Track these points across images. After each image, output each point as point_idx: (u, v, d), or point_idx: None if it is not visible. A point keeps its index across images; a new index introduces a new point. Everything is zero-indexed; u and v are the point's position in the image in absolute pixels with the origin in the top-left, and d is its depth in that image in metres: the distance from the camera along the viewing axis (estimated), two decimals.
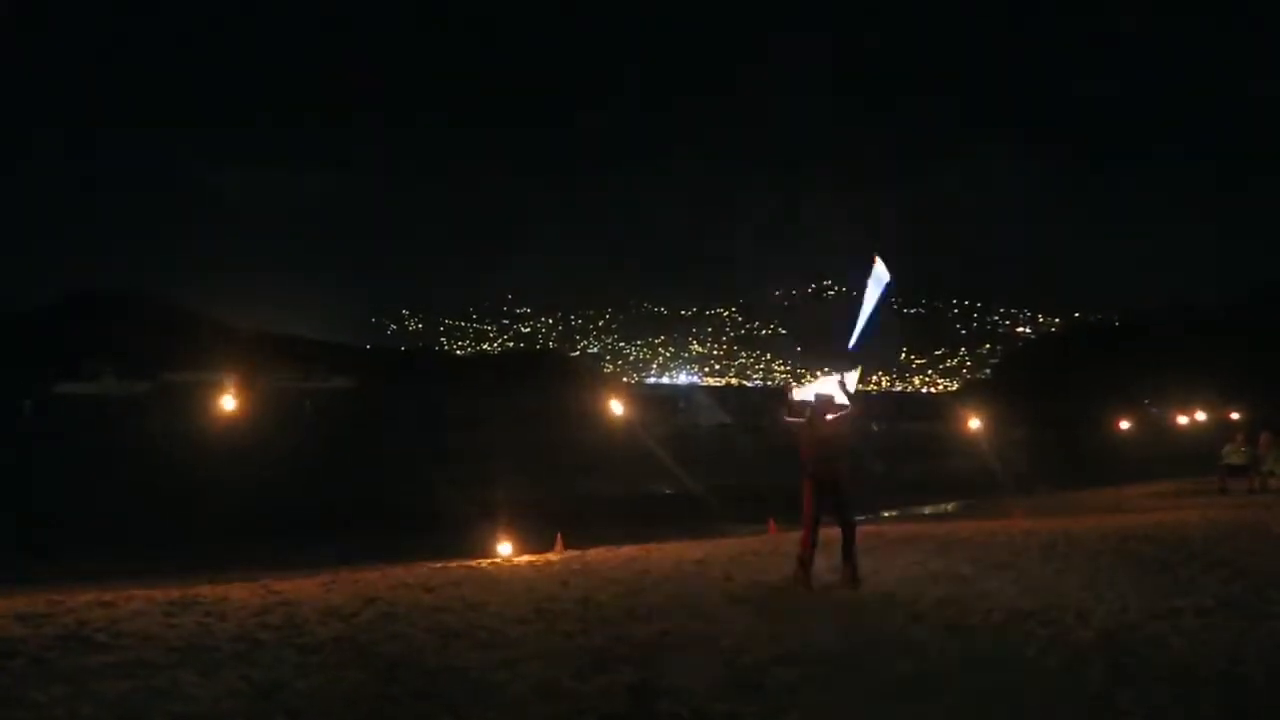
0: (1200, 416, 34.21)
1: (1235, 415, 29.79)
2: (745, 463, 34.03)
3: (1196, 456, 27.16)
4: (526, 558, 11.89)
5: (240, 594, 8.42)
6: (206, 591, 8.51)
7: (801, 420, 9.22)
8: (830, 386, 9.36)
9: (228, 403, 11.34)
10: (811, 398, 9.27)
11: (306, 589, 8.81)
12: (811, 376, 9.54)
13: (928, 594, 8.46)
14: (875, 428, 54.34)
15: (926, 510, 22.68)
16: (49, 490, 23.35)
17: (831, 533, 9.39)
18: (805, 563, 8.92)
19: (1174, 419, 35.36)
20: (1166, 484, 24.82)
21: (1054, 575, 9.37)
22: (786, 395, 9.39)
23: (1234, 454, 22.08)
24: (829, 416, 9.08)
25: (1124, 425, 29.40)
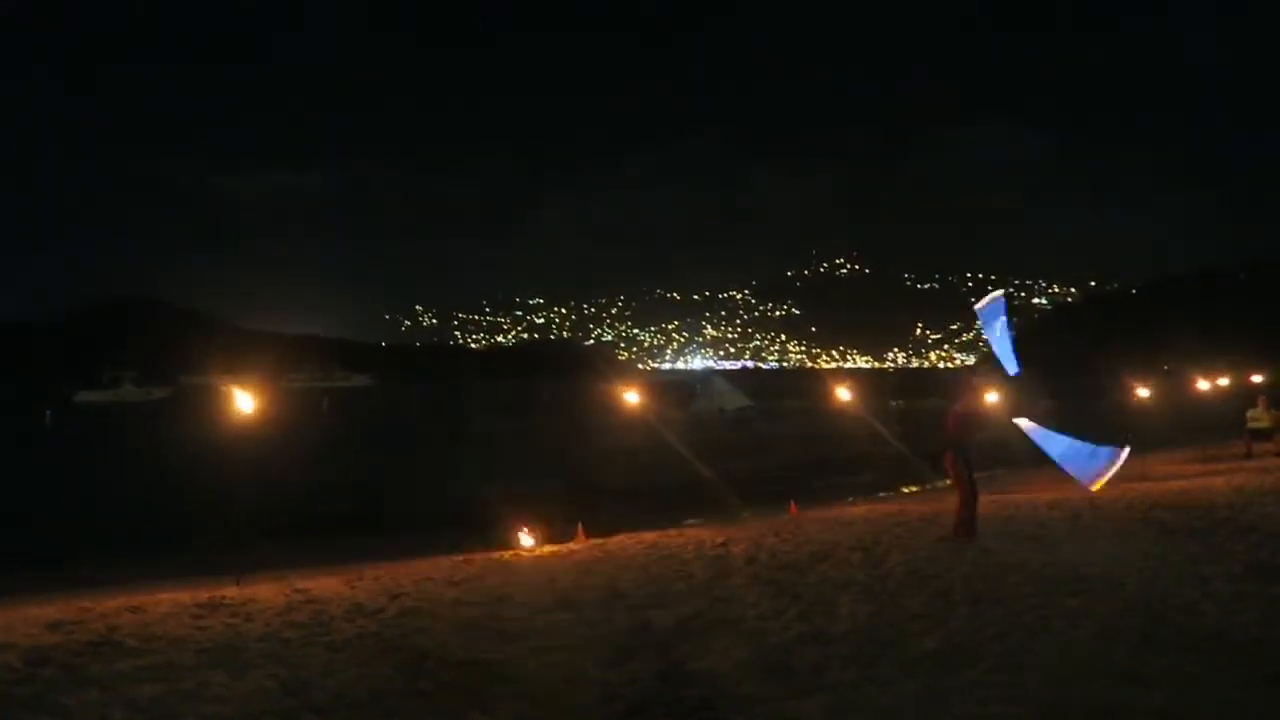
0: (1222, 381, 33.87)
1: (1258, 379, 29.46)
2: (767, 446, 33.99)
3: (1220, 422, 26.92)
4: (549, 548, 11.91)
5: (266, 594, 8.47)
6: (233, 593, 8.57)
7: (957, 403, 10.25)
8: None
9: (246, 405, 11.37)
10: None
11: (331, 587, 8.85)
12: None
13: (954, 568, 8.41)
14: (894, 403, 54.19)
15: (949, 482, 22.49)
16: (73, 498, 23.54)
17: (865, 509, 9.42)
18: (966, 524, 9.82)
19: (1195, 384, 34.98)
20: (1190, 450, 24.59)
21: (1081, 546, 9.30)
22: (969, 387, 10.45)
23: (1258, 418, 21.87)
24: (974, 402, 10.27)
25: (1143, 392, 29.04)
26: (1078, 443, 10.58)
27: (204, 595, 8.35)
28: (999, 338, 10.78)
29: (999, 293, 11.35)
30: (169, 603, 8.00)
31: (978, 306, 11.34)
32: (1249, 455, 21.03)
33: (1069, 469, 10.32)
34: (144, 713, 5.04)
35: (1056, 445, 10.54)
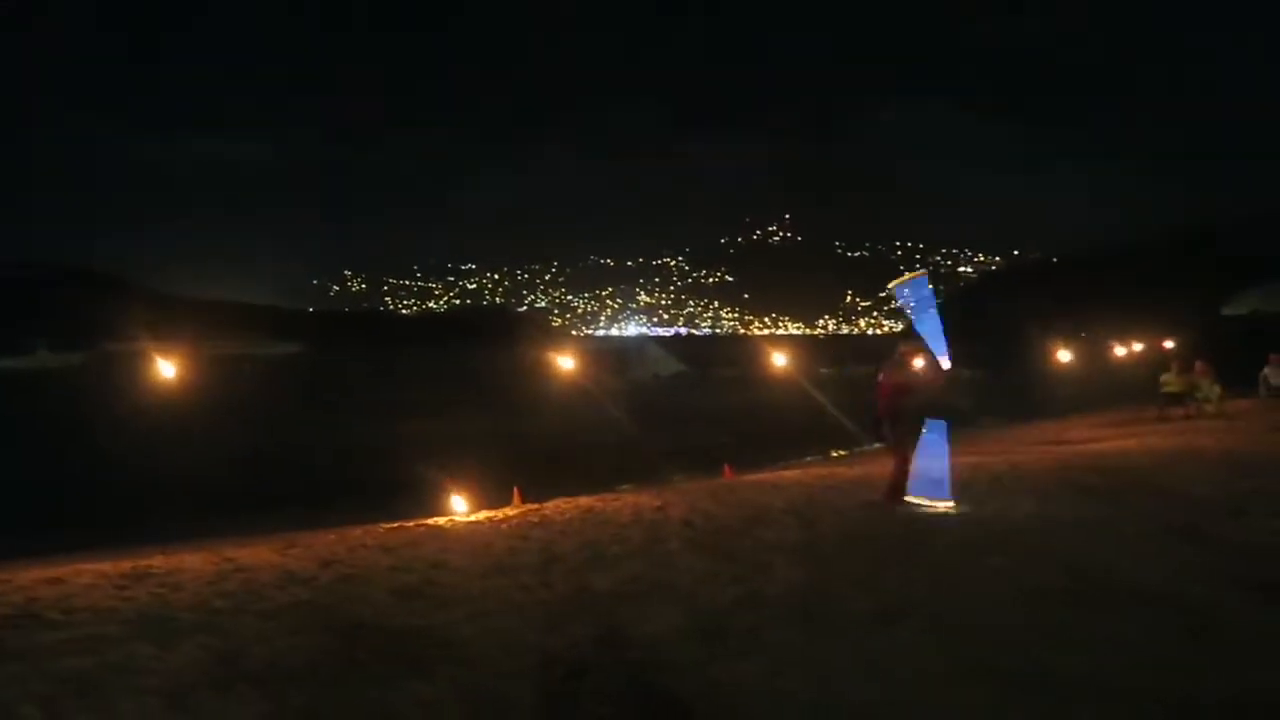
0: (1137, 347, 35.06)
1: (1170, 344, 30.54)
2: (701, 411, 34.27)
3: (1134, 386, 27.91)
4: (484, 513, 11.86)
5: (194, 563, 8.28)
6: (159, 563, 8.35)
7: (886, 371, 10.23)
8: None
9: (167, 372, 11.03)
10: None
11: (262, 555, 8.69)
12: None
13: (884, 530, 8.61)
14: (824, 370, 55.02)
15: (877, 446, 22.99)
16: None
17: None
18: (897, 488, 9.84)
19: (1111, 350, 36.14)
20: (1107, 414, 25.48)
21: (1004, 508, 9.57)
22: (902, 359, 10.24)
23: (1171, 383, 22.70)
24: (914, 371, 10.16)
25: (1063, 358, 29.96)
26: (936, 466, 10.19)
27: (128, 566, 8.11)
28: (930, 324, 10.17)
29: (921, 272, 10.44)
30: (91, 574, 7.76)
31: (894, 285, 10.44)
32: (1162, 418, 21.86)
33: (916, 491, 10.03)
34: (69, 686, 4.89)
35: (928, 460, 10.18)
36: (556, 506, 11.53)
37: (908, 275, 10.51)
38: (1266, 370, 21.85)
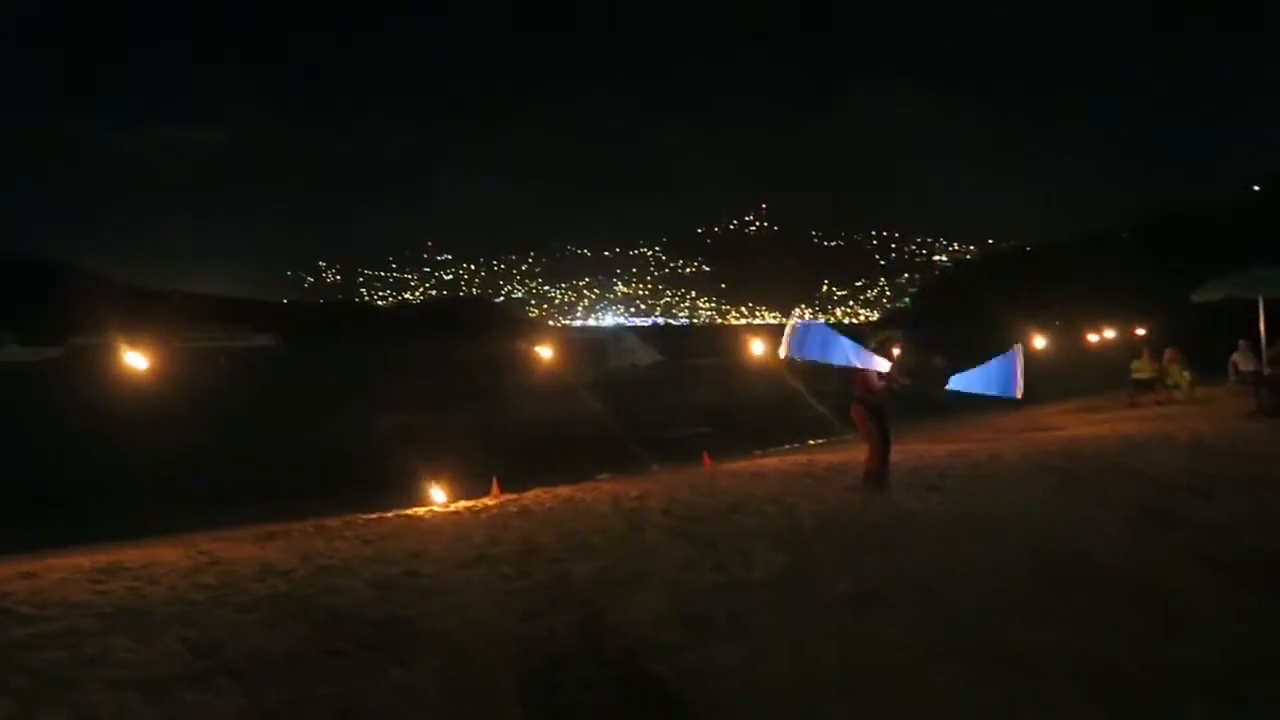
0: (1109, 334, 35.39)
1: (1141, 332, 30.84)
2: (679, 400, 34.32)
3: (1106, 373, 28.18)
4: (464, 504, 11.83)
5: (170, 556, 8.22)
6: (134, 556, 8.28)
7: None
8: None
9: (141, 364, 10.90)
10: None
11: (239, 548, 8.64)
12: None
13: (861, 517, 8.67)
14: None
15: (850, 436, 23.11)
16: None
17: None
18: (874, 474, 10.09)
19: (1084, 338, 36.44)
20: (1080, 401, 25.72)
21: (981, 494, 9.67)
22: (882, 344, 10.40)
23: (1141, 369, 22.96)
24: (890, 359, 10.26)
25: (1038, 345, 30.22)
26: (983, 369, 10.48)
27: (103, 560, 8.04)
28: (846, 354, 9.84)
29: (792, 323, 9.77)
30: (65, 568, 7.69)
31: (785, 348, 9.64)
32: (1133, 404, 22.10)
33: (996, 392, 10.19)
34: (44, 679, 4.84)
35: (975, 382, 10.41)
36: (535, 496, 11.52)
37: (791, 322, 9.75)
38: (1235, 356, 22.09)
